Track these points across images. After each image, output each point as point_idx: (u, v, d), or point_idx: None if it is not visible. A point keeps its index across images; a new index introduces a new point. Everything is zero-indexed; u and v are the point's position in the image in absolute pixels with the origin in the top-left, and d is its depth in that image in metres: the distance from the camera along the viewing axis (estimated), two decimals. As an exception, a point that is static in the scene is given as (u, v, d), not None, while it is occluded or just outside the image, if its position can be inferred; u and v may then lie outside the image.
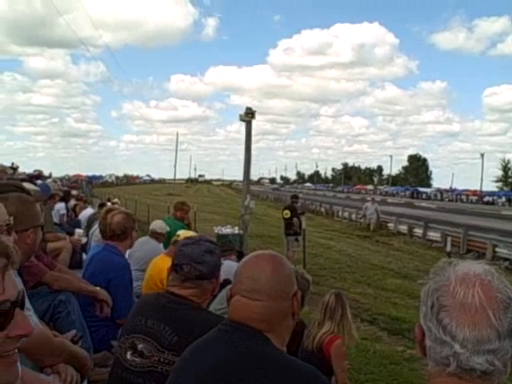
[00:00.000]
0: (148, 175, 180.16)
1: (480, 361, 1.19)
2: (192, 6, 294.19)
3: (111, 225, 4.45)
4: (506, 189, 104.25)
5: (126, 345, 2.52)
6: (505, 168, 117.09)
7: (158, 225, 7.15)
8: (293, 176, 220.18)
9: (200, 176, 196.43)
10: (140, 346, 2.46)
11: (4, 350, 1.01)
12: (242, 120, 15.25)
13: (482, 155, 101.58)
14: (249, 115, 15.11)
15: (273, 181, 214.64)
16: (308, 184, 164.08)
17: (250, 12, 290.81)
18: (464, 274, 1.26)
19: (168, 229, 7.12)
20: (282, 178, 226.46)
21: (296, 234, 14.90)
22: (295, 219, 15.02)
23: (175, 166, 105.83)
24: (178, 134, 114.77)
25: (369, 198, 36.33)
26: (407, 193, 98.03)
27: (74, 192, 14.77)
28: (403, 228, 27.02)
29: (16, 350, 1.06)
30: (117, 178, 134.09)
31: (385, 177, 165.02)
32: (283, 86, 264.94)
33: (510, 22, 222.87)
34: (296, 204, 16.23)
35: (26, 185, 3.69)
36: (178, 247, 2.76)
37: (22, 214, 2.48)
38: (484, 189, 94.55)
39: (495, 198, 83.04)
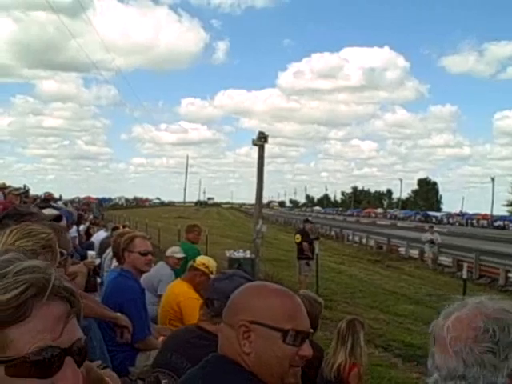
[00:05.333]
0: (158, 198, 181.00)
1: None
2: (203, 30, 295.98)
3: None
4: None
5: (151, 379, 2.50)
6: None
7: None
8: (302, 199, 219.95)
9: (209, 199, 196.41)
10: (164, 382, 2.43)
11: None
12: (254, 144, 15.29)
13: (493, 179, 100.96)
14: (261, 139, 15.16)
15: (282, 204, 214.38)
16: (317, 207, 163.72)
17: (259, 36, 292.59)
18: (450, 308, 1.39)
19: (182, 254, 7.11)
20: (291, 201, 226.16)
21: (307, 258, 14.86)
22: (305, 244, 15.02)
23: (185, 189, 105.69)
24: (188, 157, 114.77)
25: (426, 227, 31.02)
26: (417, 217, 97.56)
27: (90, 217, 14.88)
28: (414, 252, 26.87)
29: None
30: (126, 200, 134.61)
31: (394, 200, 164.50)
32: (292, 109, 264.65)
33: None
34: (307, 228, 16.20)
35: (48, 211, 3.71)
36: (210, 281, 2.72)
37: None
38: (494, 213, 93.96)
39: (506, 222, 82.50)
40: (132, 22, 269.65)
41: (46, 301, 0.96)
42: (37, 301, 0.95)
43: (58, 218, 2.87)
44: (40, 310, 0.95)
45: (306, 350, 1.64)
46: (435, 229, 27.81)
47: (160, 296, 6.09)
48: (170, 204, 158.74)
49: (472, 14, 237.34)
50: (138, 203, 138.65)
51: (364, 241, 33.62)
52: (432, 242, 24.68)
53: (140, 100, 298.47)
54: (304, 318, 1.67)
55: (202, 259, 5.45)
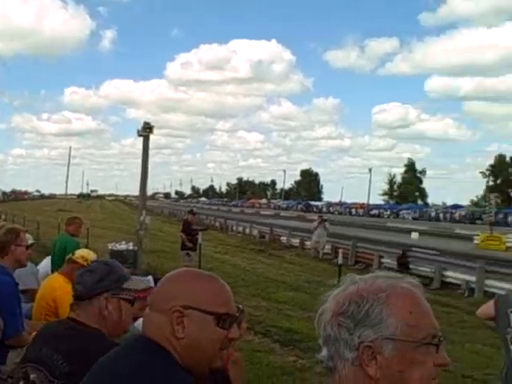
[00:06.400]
0: (38, 191, 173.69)
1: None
2: (89, 17, 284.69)
3: None
4: (391, 202, 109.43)
5: (20, 374, 2.42)
6: (390, 182, 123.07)
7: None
8: (188, 191, 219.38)
9: (92, 191, 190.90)
10: (32, 376, 2.35)
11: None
12: (139, 135, 15.13)
13: (370, 170, 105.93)
14: (146, 130, 14.99)
15: (168, 196, 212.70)
16: (203, 199, 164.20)
17: (148, 25, 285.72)
18: None
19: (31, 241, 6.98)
20: (177, 192, 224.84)
21: (188, 248, 15.01)
22: (182, 234, 15.21)
23: (67, 181, 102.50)
24: (70, 148, 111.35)
25: (315, 217, 28.37)
26: (299, 206, 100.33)
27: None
28: (295, 241, 27.69)
29: None
30: (4, 193, 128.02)
31: (278, 191, 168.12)
32: (180, 100, 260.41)
33: (398, 42, 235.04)
34: (189, 219, 16.26)
35: None
36: (77, 272, 2.74)
37: None
38: (371, 202, 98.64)
39: (381, 210, 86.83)
40: (14, 5, 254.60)
41: None
42: None
43: None
44: None
45: (234, 332, 1.71)
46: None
47: (22, 291, 5.92)
48: (51, 197, 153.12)
49: (355, 9, 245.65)
50: (16, 196, 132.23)
51: (248, 231, 34.17)
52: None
53: (21, 88, 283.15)
54: (233, 302, 1.73)
55: (81, 252, 5.38)
